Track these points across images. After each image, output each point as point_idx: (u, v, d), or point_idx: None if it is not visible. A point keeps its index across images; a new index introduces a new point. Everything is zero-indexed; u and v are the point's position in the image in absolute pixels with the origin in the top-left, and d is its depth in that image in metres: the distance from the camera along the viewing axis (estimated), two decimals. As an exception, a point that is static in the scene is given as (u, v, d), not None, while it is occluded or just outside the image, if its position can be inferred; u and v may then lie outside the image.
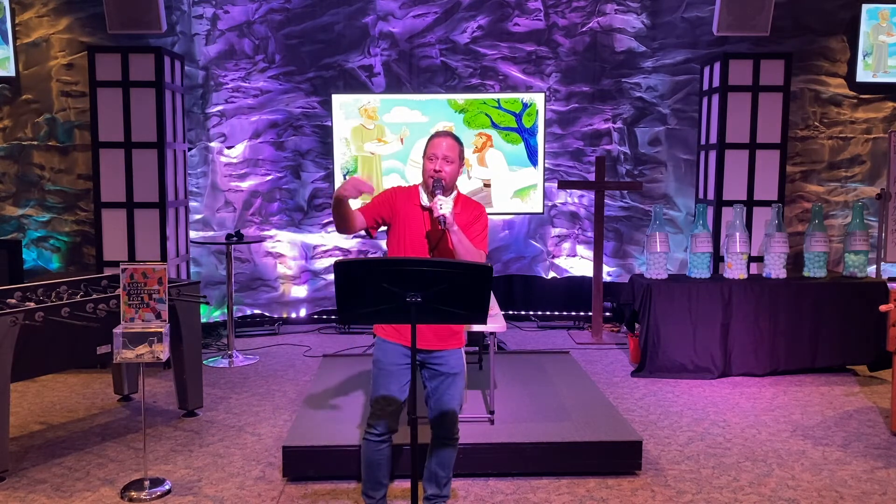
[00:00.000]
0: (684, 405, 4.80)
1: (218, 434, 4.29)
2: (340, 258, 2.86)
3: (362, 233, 3.11)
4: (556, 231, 7.05)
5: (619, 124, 6.89)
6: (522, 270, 7.08)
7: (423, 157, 3.01)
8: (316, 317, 7.03)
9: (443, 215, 2.81)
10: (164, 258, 5.85)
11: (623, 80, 6.83)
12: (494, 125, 6.25)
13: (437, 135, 3.02)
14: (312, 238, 6.89)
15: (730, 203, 6.17)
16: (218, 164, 6.71)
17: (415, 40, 6.76)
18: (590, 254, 6.82)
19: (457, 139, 3.02)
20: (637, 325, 5.66)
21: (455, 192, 3.05)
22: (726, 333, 5.43)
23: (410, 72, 6.79)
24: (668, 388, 5.16)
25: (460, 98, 6.24)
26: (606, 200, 6.81)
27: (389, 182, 6.33)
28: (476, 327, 4.03)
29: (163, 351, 3.38)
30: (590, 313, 6.75)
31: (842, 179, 6.88)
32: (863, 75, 6.72)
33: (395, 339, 2.98)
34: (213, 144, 6.69)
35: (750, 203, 6.26)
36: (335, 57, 6.72)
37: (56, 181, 6.48)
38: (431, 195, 2.94)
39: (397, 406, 2.97)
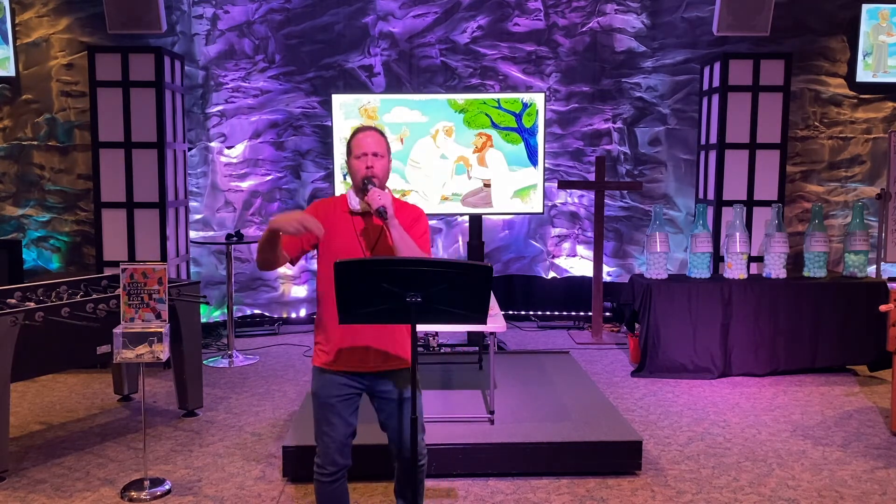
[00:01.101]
0: (684, 405, 4.80)
1: (218, 434, 4.29)
2: (341, 258, 2.84)
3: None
4: (556, 231, 7.05)
5: (619, 124, 6.89)
6: (522, 270, 7.08)
7: (350, 157, 2.74)
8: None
9: (382, 205, 2.59)
10: (164, 258, 5.85)
11: (623, 80, 6.83)
12: (494, 125, 6.25)
13: (360, 130, 2.75)
14: (312, 238, 6.88)
15: (730, 203, 6.17)
16: (218, 164, 6.71)
17: (415, 40, 6.76)
18: (590, 254, 6.83)
19: (381, 133, 2.77)
20: (637, 325, 5.66)
21: (388, 192, 2.78)
22: (726, 333, 5.43)
23: (410, 72, 6.79)
24: (668, 388, 5.16)
25: (460, 98, 6.24)
26: (606, 200, 6.81)
27: (389, 182, 6.31)
28: (476, 327, 4.03)
29: (163, 351, 3.38)
30: (590, 313, 6.75)
31: (842, 179, 6.88)
32: (863, 75, 6.72)
33: (334, 367, 2.69)
34: (213, 144, 6.69)
35: (750, 203, 6.26)
36: (335, 57, 6.72)
37: (56, 181, 6.48)
38: (363, 192, 2.68)
39: (345, 441, 2.71)
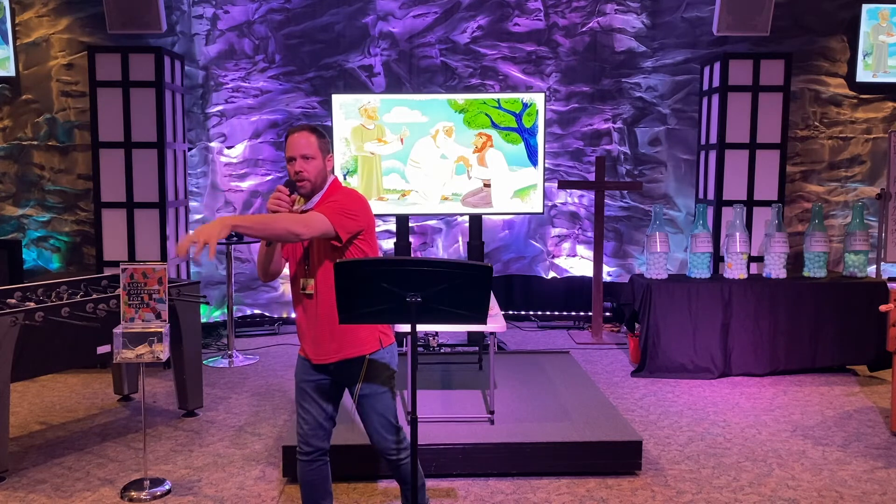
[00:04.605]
0: (684, 405, 4.80)
1: (218, 434, 4.29)
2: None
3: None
4: (556, 231, 7.05)
5: (619, 124, 6.89)
6: (522, 270, 7.08)
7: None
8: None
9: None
10: (164, 258, 5.85)
11: (623, 80, 6.83)
12: (494, 125, 6.25)
13: (292, 131, 2.72)
14: (312, 238, 6.88)
15: (730, 203, 6.17)
16: (218, 164, 6.71)
17: (415, 40, 6.76)
18: (590, 254, 6.83)
19: (314, 130, 2.72)
20: (637, 325, 5.66)
21: (329, 183, 2.74)
22: (726, 333, 5.42)
23: (410, 72, 6.79)
24: (668, 388, 5.16)
25: (460, 98, 6.24)
26: (606, 200, 6.81)
27: (389, 182, 6.32)
28: (476, 327, 4.03)
29: (163, 351, 3.38)
30: (590, 313, 6.75)
31: (842, 179, 6.88)
32: (863, 75, 6.72)
33: (302, 352, 2.80)
34: (213, 144, 6.69)
35: (750, 203, 6.26)
36: (335, 57, 6.72)
37: (56, 181, 6.48)
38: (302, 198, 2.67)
39: (320, 424, 2.77)
